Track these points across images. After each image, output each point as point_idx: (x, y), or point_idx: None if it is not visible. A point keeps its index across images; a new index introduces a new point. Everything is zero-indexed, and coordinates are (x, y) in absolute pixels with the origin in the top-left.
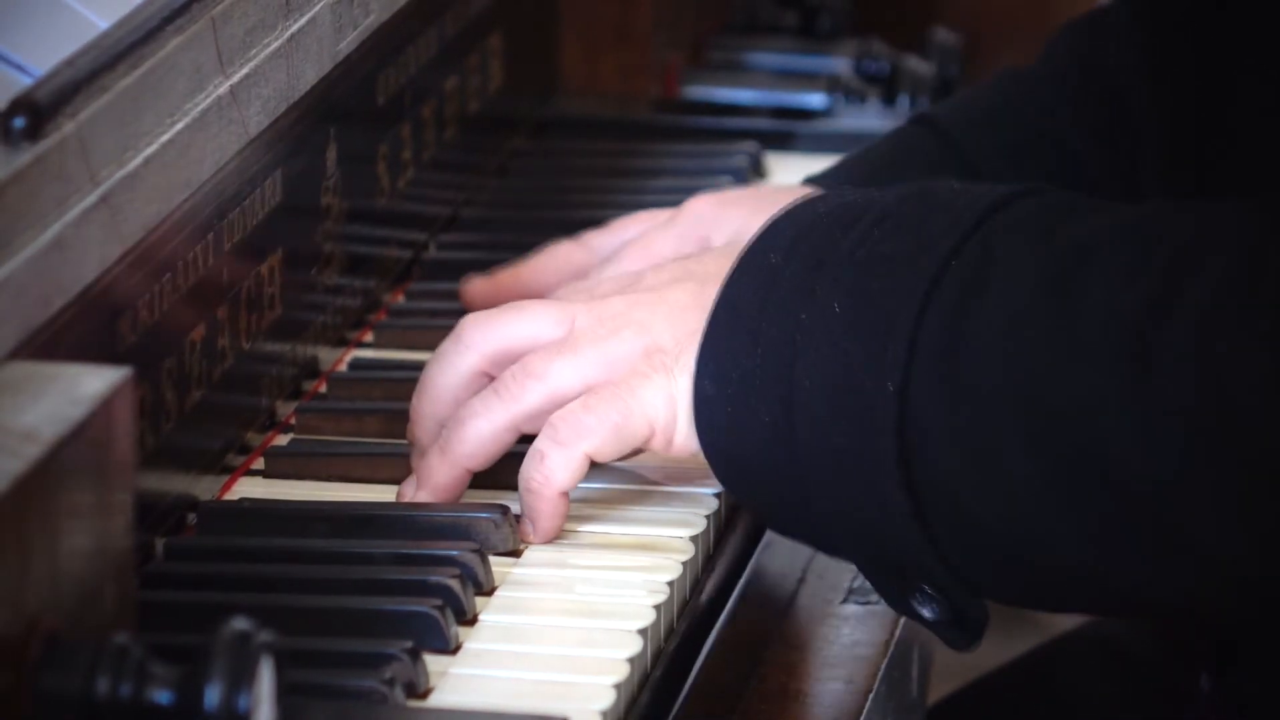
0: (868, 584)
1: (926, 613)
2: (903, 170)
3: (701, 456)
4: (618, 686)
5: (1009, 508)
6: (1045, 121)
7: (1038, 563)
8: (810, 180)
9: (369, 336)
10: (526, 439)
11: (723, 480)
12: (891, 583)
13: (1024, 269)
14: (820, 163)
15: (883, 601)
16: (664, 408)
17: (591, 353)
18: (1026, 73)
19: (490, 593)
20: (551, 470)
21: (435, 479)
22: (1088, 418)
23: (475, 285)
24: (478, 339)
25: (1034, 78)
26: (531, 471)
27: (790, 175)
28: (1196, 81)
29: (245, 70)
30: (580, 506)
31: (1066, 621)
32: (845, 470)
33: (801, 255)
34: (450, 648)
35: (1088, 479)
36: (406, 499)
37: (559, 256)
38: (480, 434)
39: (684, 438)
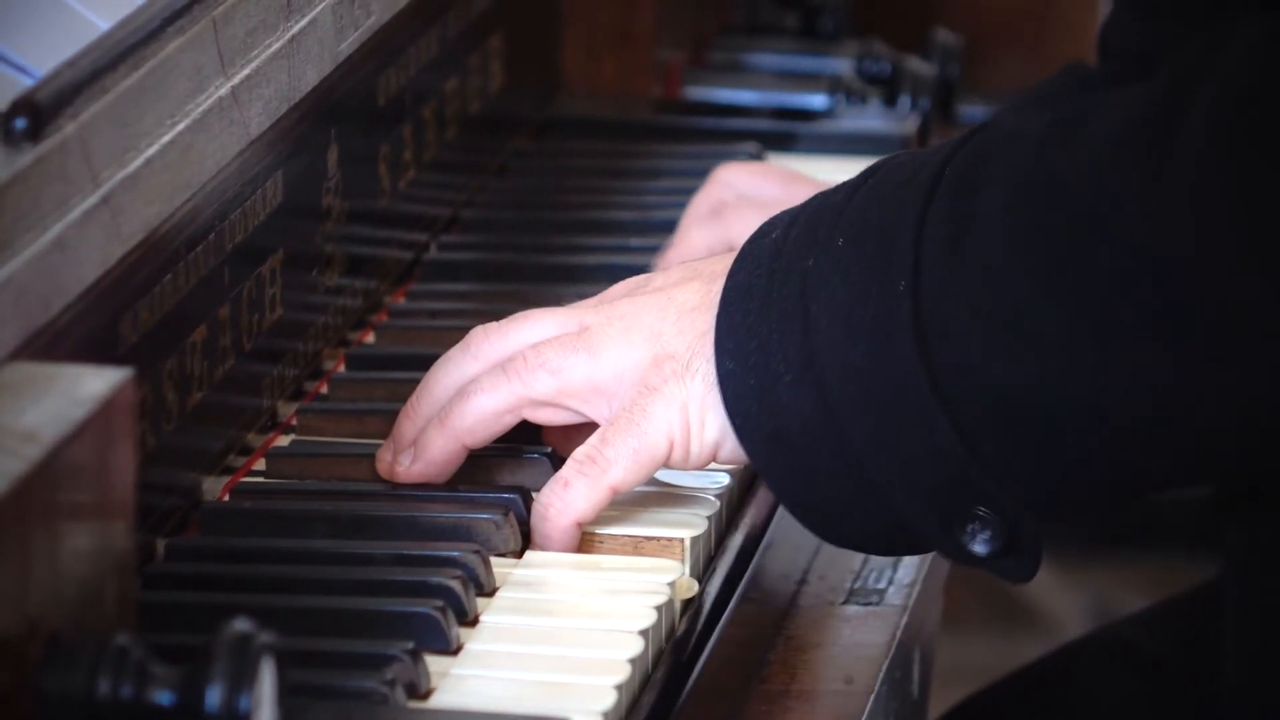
0: (868, 585)
1: (980, 547)
2: None
3: (722, 455)
4: (619, 687)
5: (1042, 369)
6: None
7: (1079, 431)
8: None
9: (370, 337)
10: (511, 439)
11: (761, 466)
12: (940, 522)
13: (1024, 143)
14: (821, 164)
15: (883, 602)
16: (678, 417)
17: (605, 355)
18: (1080, 67)
19: (492, 594)
20: (572, 499)
21: (432, 452)
22: (1110, 236)
23: None
24: (486, 349)
25: (1082, 71)
26: (551, 498)
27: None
28: None
29: (246, 71)
30: None
31: (1072, 629)
32: (871, 391)
33: (801, 224)
34: (451, 648)
35: (1119, 303)
36: (400, 470)
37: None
38: (483, 410)
39: (699, 442)
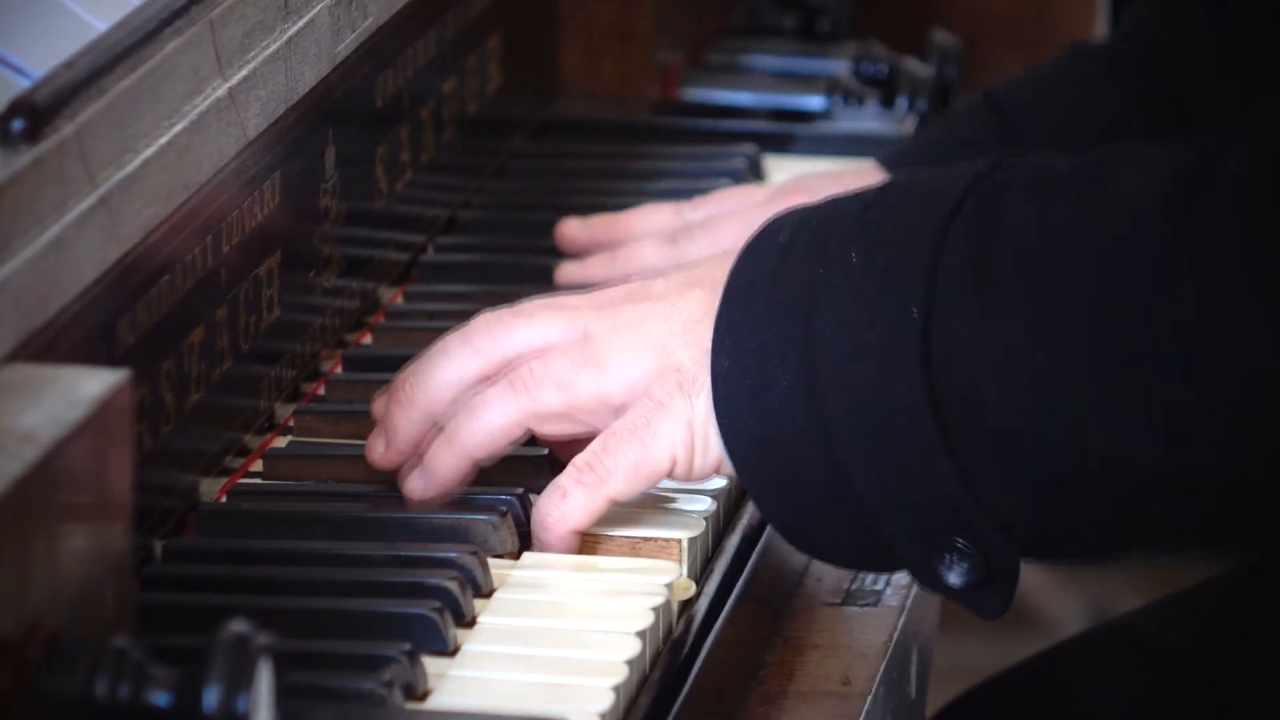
0: (866, 586)
1: (955, 578)
2: (951, 138)
3: (725, 469)
4: (616, 689)
5: (1052, 410)
6: (1095, 97)
7: (1077, 470)
8: (881, 159)
9: (367, 338)
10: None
11: (745, 474)
12: (920, 546)
13: (1049, 179)
14: (819, 165)
15: (880, 603)
16: (683, 434)
17: (613, 369)
18: (1089, 47)
19: (489, 595)
20: (570, 510)
21: (442, 472)
22: (1133, 290)
23: (569, 227)
24: (489, 345)
25: (1092, 53)
26: (550, 508)
27: (789, 178)
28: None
29: (244, 73)
30: None
31: (1071, 629)
32: (870, 411)
33: (811, 228)
34: (449, 650)
35: (1137, 354)
36: (409, 490)
37: (650, 216)
38: (492, 426)
39: (702, 458)
